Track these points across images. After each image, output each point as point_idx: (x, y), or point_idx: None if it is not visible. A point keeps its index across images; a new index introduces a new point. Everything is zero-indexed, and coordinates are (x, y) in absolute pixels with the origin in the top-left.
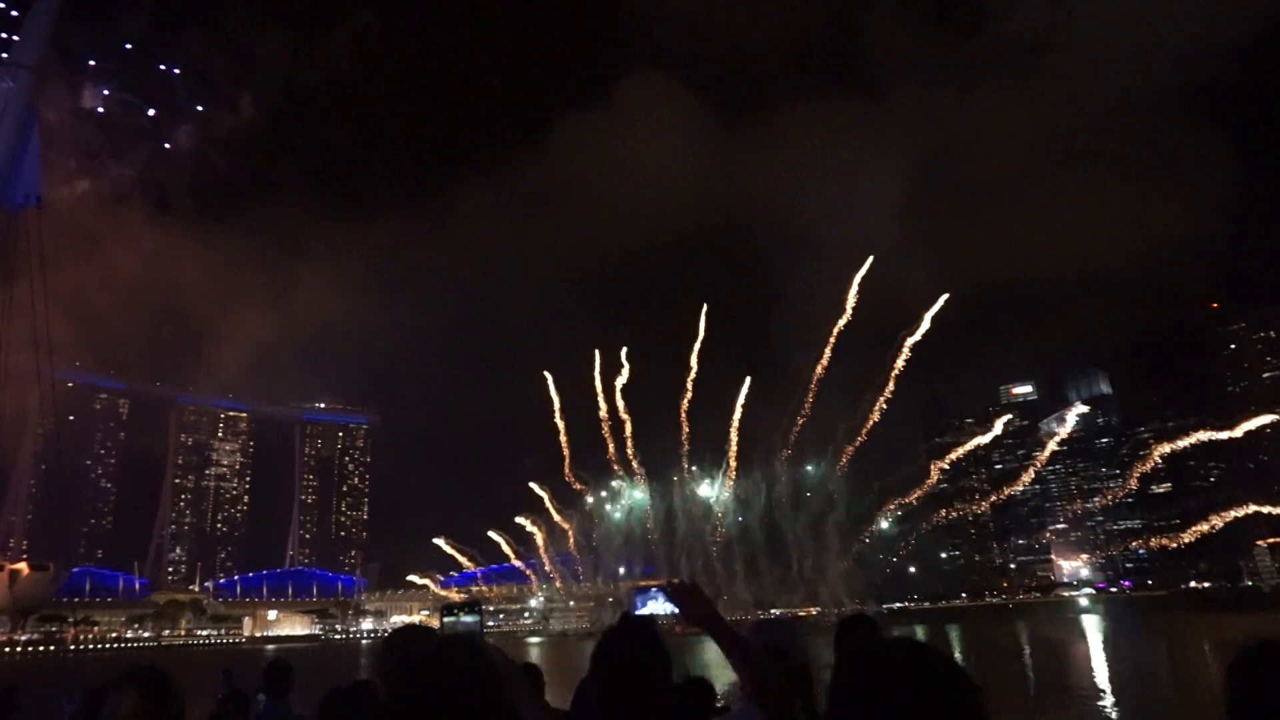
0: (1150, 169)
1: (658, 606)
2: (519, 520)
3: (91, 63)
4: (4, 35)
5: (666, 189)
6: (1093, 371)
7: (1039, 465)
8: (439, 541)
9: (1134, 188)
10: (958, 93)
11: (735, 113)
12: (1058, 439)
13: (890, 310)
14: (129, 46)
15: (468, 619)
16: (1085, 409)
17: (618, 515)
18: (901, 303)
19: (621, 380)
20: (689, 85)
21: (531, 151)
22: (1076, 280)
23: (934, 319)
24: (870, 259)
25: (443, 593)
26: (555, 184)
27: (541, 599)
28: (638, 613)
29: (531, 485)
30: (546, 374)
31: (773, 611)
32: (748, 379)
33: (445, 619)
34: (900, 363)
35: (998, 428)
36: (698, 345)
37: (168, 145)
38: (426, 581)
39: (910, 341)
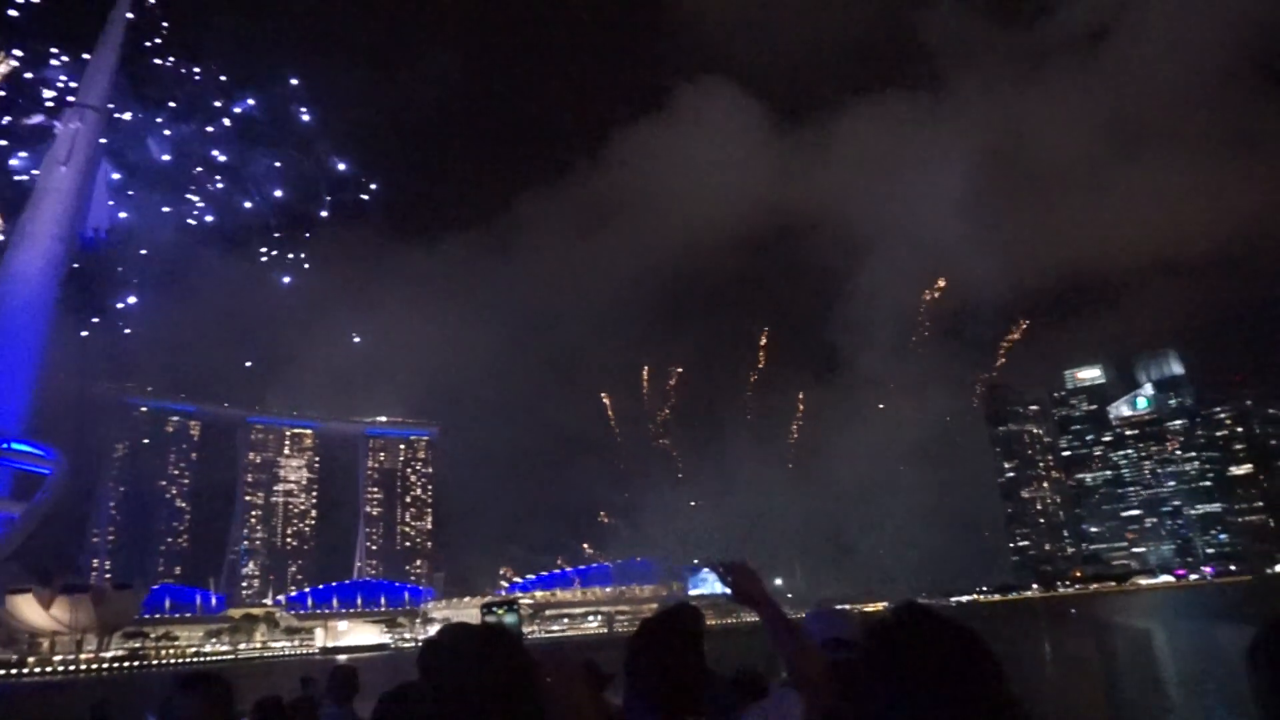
0: (1222, 146)
1: (708, 587)
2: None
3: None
4: (67, 79)
5: (727, 194)
6: (1163, 352)
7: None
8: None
9: (1205, 166)
10: (1020, 82)
11: (794, 114)
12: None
13: (958, 305)
14: (198, 85)
15: (508, 618)
16: (1152, 390)
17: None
18: (967, 295)
19: (670, 399)
20: (747, 89)
21: (592, 163)
22: (1146, 262)
23: (994, 305)
24: (942, 281)
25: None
26: (615, 194)
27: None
28: (690, 591)
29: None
30: (604, 397)
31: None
32: (800, 395)
33: (485, 617)
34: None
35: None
36: (759, 365)
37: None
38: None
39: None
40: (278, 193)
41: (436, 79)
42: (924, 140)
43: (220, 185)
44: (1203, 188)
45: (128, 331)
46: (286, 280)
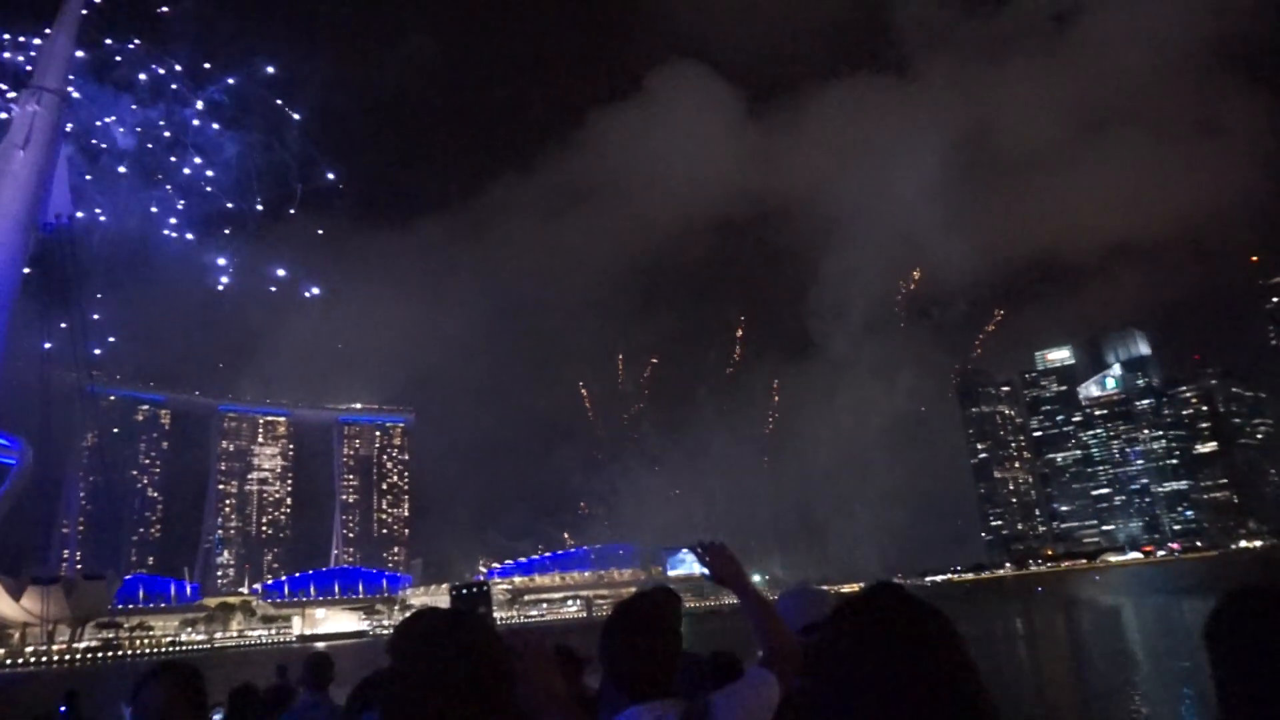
0: (1187, 129)
1: (687, 567)
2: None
3: (129, 85)
4: (23, 60)
5: (700, 178)
6: (1131, 333)
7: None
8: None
9: (1171, 149)
10: (989, 65)
11: (767, 98)
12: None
13: (930, 289)
14: (162, 70)
15: (476, 599)
16: (1121, 371)
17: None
18: (938, 278)
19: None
20: (720, 72)
21: (565, 147)
22: (1114, 245)
23: (964, 288)
24: (917, 273)
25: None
26: (589, 178)
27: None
28: (669, 573)
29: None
30: (580, 386)
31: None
32: (775, 383)
33: (454, 599)
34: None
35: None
36: (735, 350)
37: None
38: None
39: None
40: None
41: (408, 62)
42: (894, 124)
43: (186, 171)
44: (1168, 171)
45: (95, 318)
46: (312, 292)
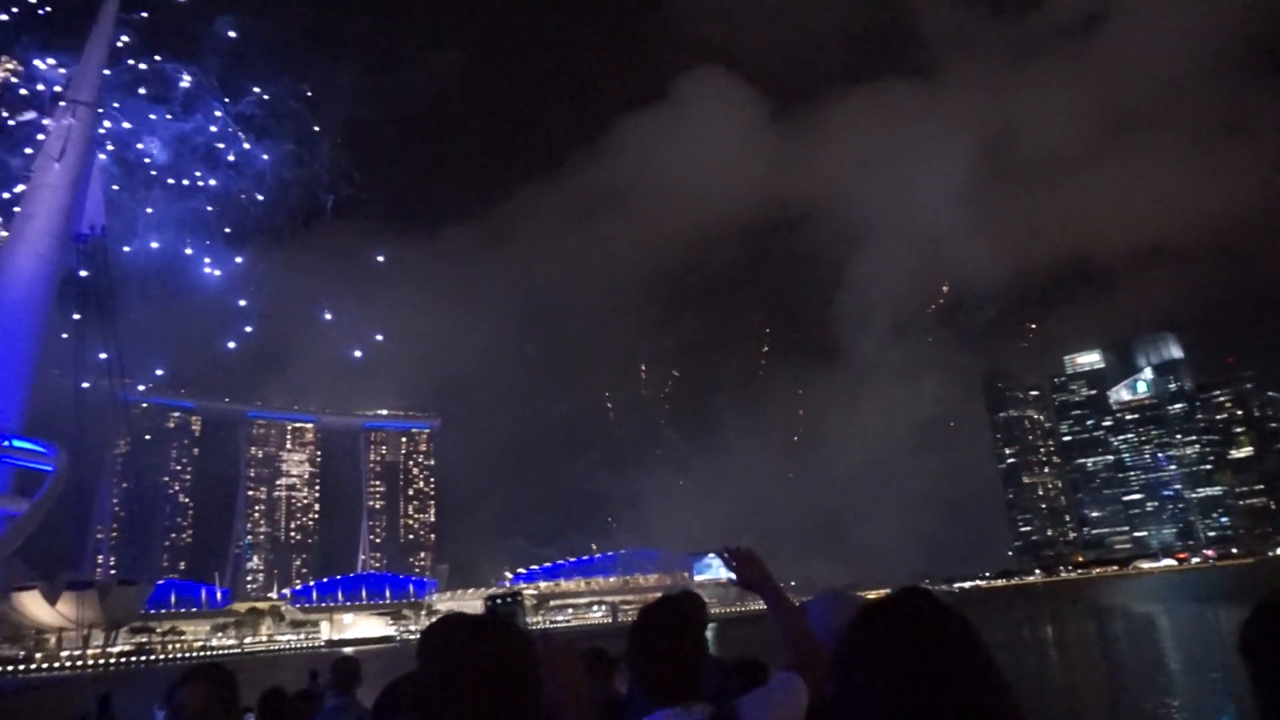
0: (1217, 130)
1: (713, 573)
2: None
3: (160, 98)
4: (62, 71)
5: (725, 184)
6: (1162, 336)
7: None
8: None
9: (1202, 151)
10: (1015, 69)
11: (791, 103)
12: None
13: (953, 290)
14: (193, 83)
15: (511, 607)
16: (1152, 375)
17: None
18: (965, 283)
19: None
20: (745, 78)
21: (591, 154)
22: (1144, 247)
23: (991, 293)
24: (946, 286)
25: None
26: (614, 185)
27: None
28: (695, 578)
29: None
30: (606, 396)
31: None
32: (800, 391)
33: (488, 608)
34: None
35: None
36: (760, 356)
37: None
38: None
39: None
40: (273, 187)
41: (436, 71)
42: (920, 129)
43: (214, 183)
44: (1198, 172)
45: (127, 327)
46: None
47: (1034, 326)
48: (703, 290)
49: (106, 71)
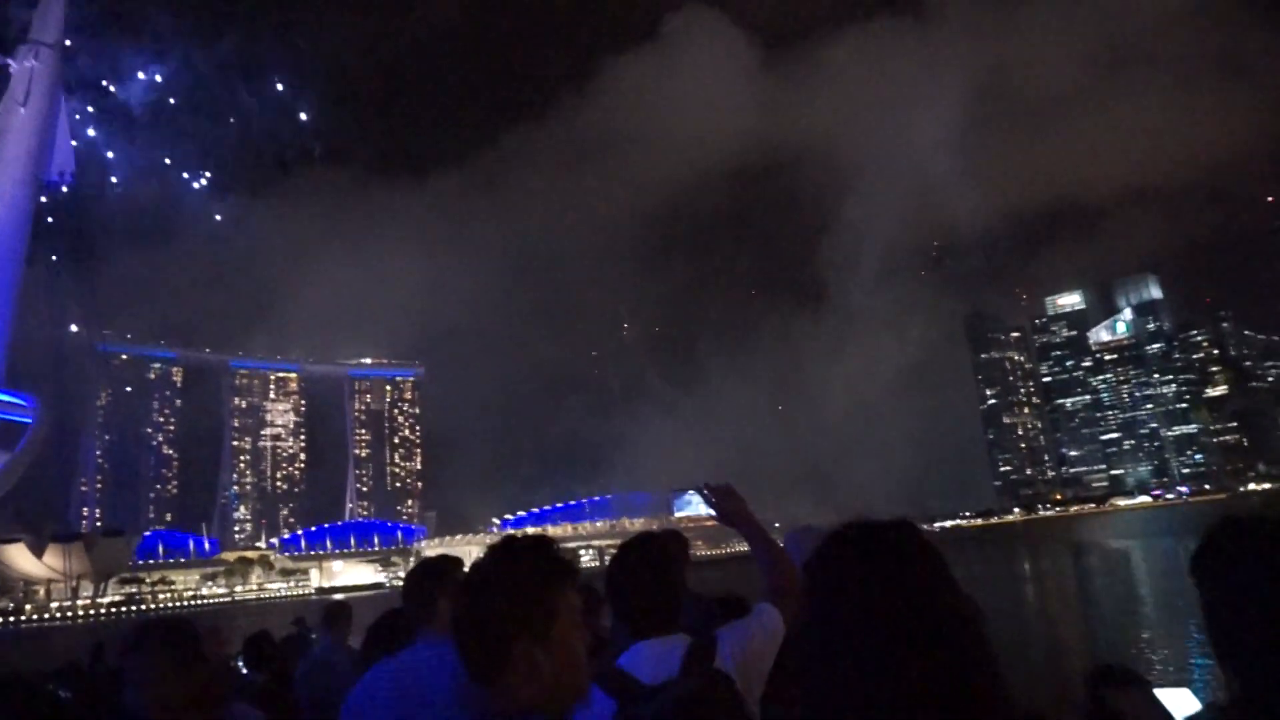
0: (1209, 69)
1: (694, 509)
2: None
3: (128, 40)
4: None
5: (715, 127)
6: (1143, 277)
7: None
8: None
9: (1192, 90)
10: (1007, 5)
11: (783, 44)
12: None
13: (940, 234)
14: (170, 29)
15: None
16: (1131, 315)
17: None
18: (952, 225)
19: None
20: (736, 19)
21: (579, 96)
22: (1131, 189)
23: (978, 236)
24: (934, 232)
25: (499, 535)
26: (603, 129)
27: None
28: (676, 514)
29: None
30: (593, 337)
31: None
32: (787, 330)
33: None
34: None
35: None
36: (749, 300)
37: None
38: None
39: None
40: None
41: (420, 12)
42: (912, 70)
43: (195, 128)
44: (1188, 113)
45: (105, 279)
46: (201, 182)
47: (1019, 268)
48: (691, 235)
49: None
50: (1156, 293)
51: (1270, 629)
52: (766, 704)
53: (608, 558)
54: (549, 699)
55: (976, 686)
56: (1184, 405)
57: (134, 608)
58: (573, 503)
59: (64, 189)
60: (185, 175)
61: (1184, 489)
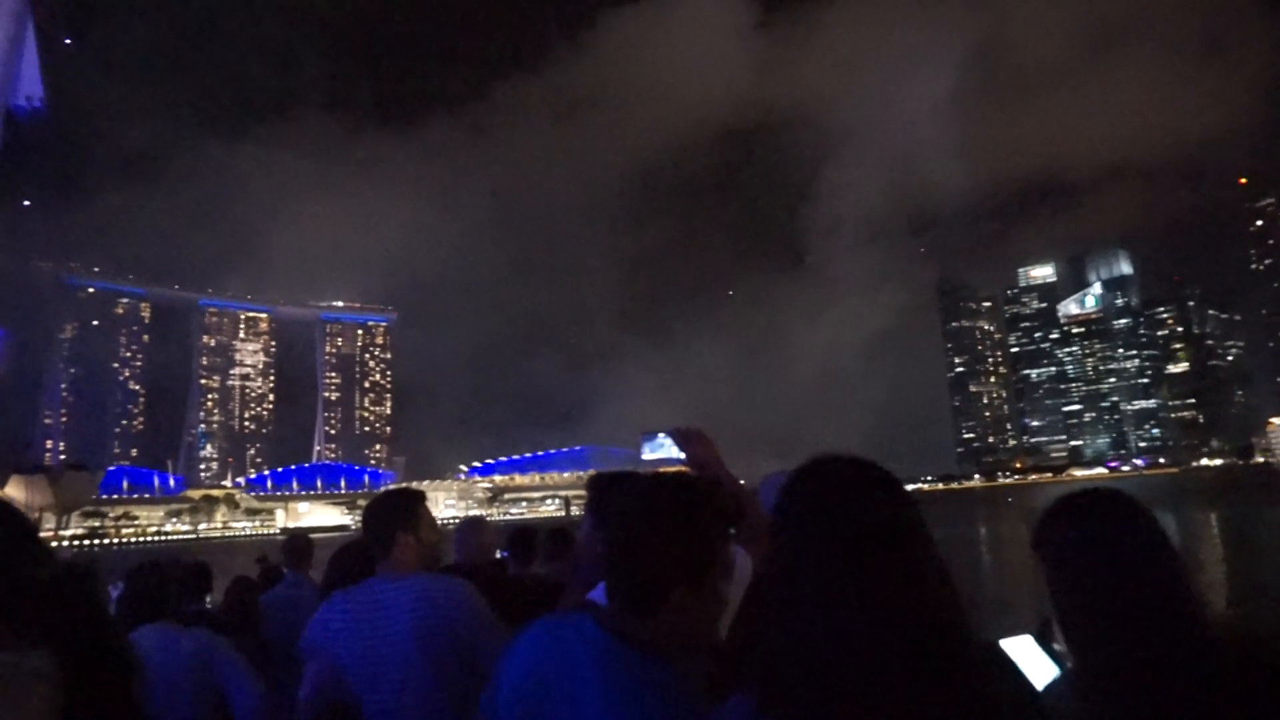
0: (1194, 47)
1: (664, 452)
2: None
3: None
4: None
5: (707, 86)
6: (1114, 252)
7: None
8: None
9: (1175, 68)
10: None
11: (779, 5)
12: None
13: (922, 202)
14: None
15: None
16: (1101, 290)
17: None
18: (933, 195)
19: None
20: None
21: (573, 50)
22: (1109, 164)
23: (956, 206)
24: (913, 199)
25: (467, 482)
26: (596, 82)
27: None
28: (644, 456)
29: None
30: (570, 290)
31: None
32: (764, 292)
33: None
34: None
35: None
36: (729, 262)
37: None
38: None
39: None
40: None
41: None
42: (905, 36)
43: (179, 64)
44: (1170, 90)
45: (74, 210)
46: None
47: (995, 239)
48: (675, 195)
49: None
50: (1127, 268)
51: (1094, 605)
52: (735, 646)
53: (572, 507)
54: (682, 641)
55: (940, 615)
56: (1145, 380)
57: (96, 541)
58: (540, 453)
59: (30, 114)
60: (168, 107)
61: (1140, 461)
